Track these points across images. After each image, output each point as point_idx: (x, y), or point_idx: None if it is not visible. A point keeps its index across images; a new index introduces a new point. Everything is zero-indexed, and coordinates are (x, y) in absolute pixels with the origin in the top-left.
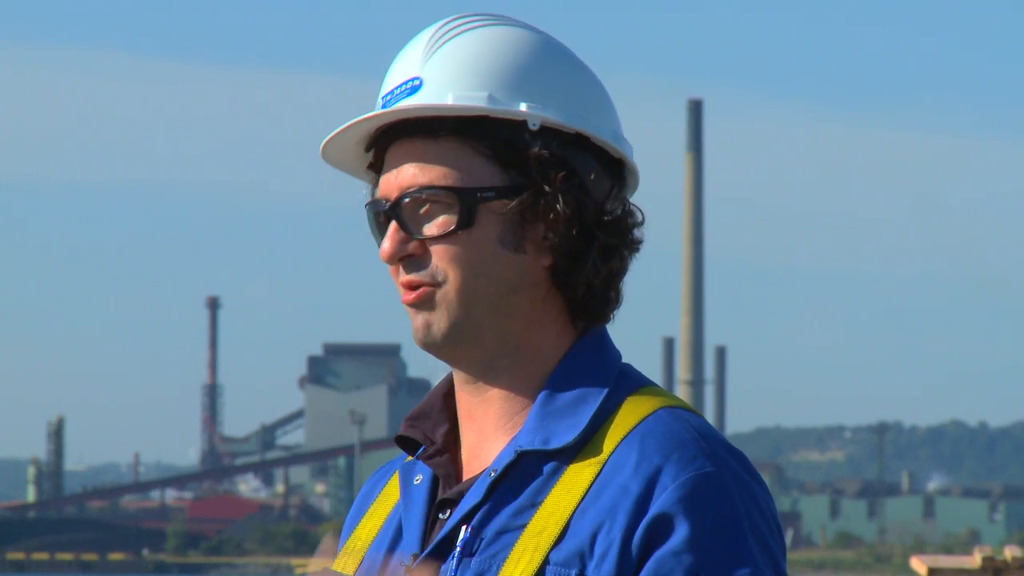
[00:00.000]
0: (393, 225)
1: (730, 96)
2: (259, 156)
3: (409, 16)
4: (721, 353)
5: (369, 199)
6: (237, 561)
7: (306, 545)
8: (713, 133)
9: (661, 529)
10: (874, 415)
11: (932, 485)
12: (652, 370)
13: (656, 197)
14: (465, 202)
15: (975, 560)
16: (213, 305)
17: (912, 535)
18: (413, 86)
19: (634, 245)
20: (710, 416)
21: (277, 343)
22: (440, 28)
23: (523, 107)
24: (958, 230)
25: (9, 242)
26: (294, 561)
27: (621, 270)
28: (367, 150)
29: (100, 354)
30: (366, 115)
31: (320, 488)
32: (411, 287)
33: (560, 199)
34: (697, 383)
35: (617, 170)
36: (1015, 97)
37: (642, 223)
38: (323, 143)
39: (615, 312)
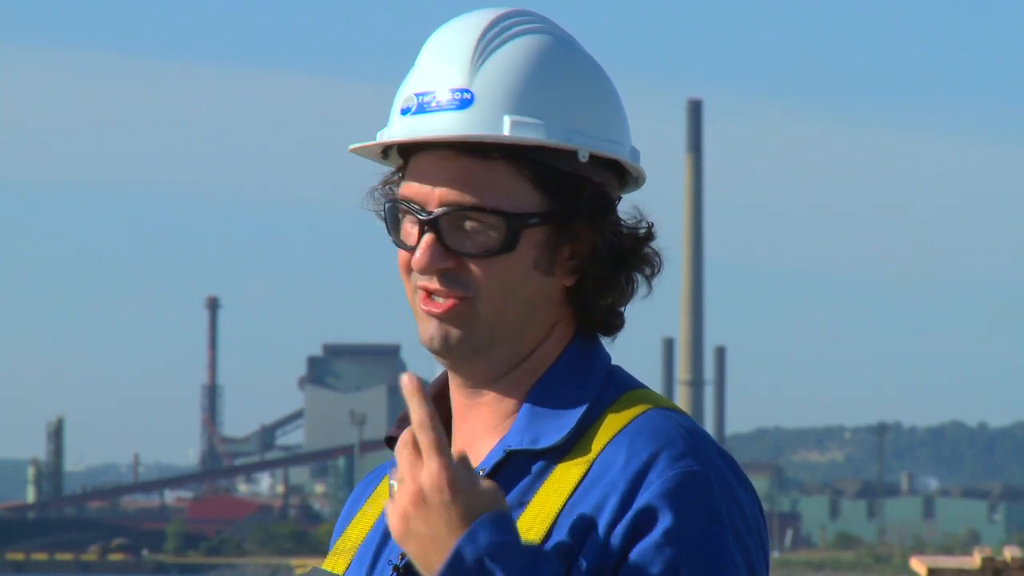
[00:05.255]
0: (430, 237)
1: (730, 96)
2: (259, 157)
3: (406, 16)
4: (721, 353)
5: (390, 192)
6: (237, 561)
7: (306, 546)
8: (713, 134)
9: (644, 522)
10: (874, 415)
11: (932, 485)
12: (652, 370)
13: (656, 198)
14: (512, 228)
15: (975, 560)
16: (213, 305)
17: (912, 535)
18: (464, 99)
19: (655, 265)
20: (709, 417)
21: (277, 343)
22: (487, 31)
23: (575, 139)
24: (959, 231)
25: (8, 243)
26: (294, 562)
27: (637, 289)
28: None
29: (100, 354)
30: (429, 136)
31: (320, 488)
32: (440, 297)
33: (598, 227)
34: (697, 383)
35: (623, 178)
36: (1019, 99)
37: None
38: (357, 145)
39: (623, 324)
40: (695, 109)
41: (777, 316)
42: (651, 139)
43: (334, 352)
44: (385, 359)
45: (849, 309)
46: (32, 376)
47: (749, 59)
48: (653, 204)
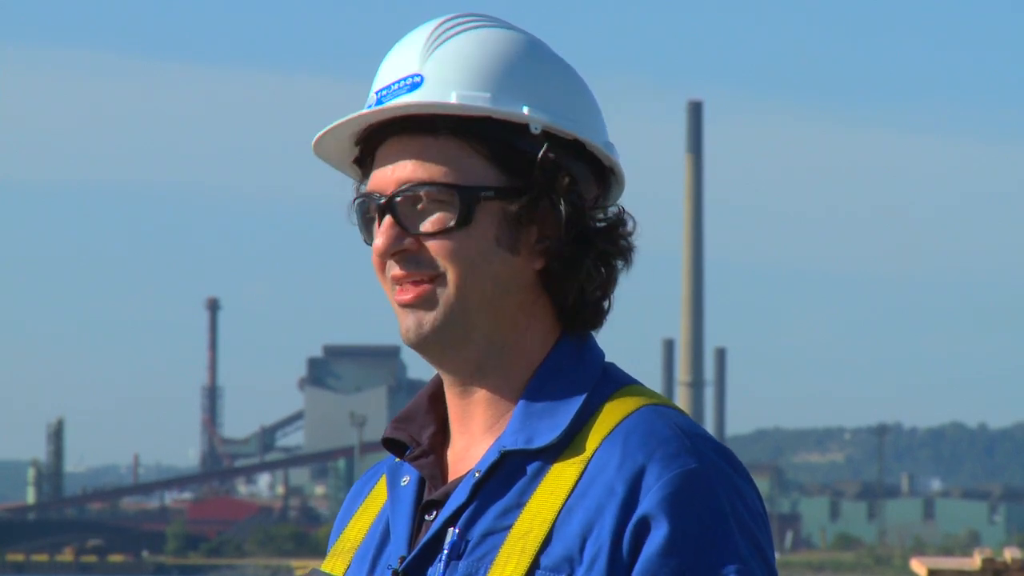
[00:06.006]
0: (388, 219)
1: (730, 98)
2: (259, 157)
3: (405, 16)
4: (721, 355)
5: (358, 194)
6: (237, 563)
7: (306, 547)
8: (713, 135)
9: (647, 530)
10: (874, 416)
11: (932, 487)
12: (652, 371)
13: (656, 198)
14: (464, 200)
15: (975, 562)
16: (213, 307)
17: (912, 537)
18: (414, 82)
19: (627, 254)
20: (710, 418)
21: (277, 345)
22: (440, 26)
23: (525, 110)
24: (959, 231)
25: (8, 243)
26: (294, 563)
27: (613, 278)
28: (356, 144)
29: (100, 355)
30: (370, 109)
31: (320, 490)
32: (409, 283)
33: (560, 203)
34: (697, 385)
35: (602, 177)
36: (1019, 99)
37: (633, 231)
38: (317, 136)
39: (606, 320)
40: (695, 110)
41: (777, 317)
42: (651, 139)
43: (334, 353)
44: (385, 360)
45: (849, 309)
46: (32, 376)
47: (749, 59)
48: (653, 205)
